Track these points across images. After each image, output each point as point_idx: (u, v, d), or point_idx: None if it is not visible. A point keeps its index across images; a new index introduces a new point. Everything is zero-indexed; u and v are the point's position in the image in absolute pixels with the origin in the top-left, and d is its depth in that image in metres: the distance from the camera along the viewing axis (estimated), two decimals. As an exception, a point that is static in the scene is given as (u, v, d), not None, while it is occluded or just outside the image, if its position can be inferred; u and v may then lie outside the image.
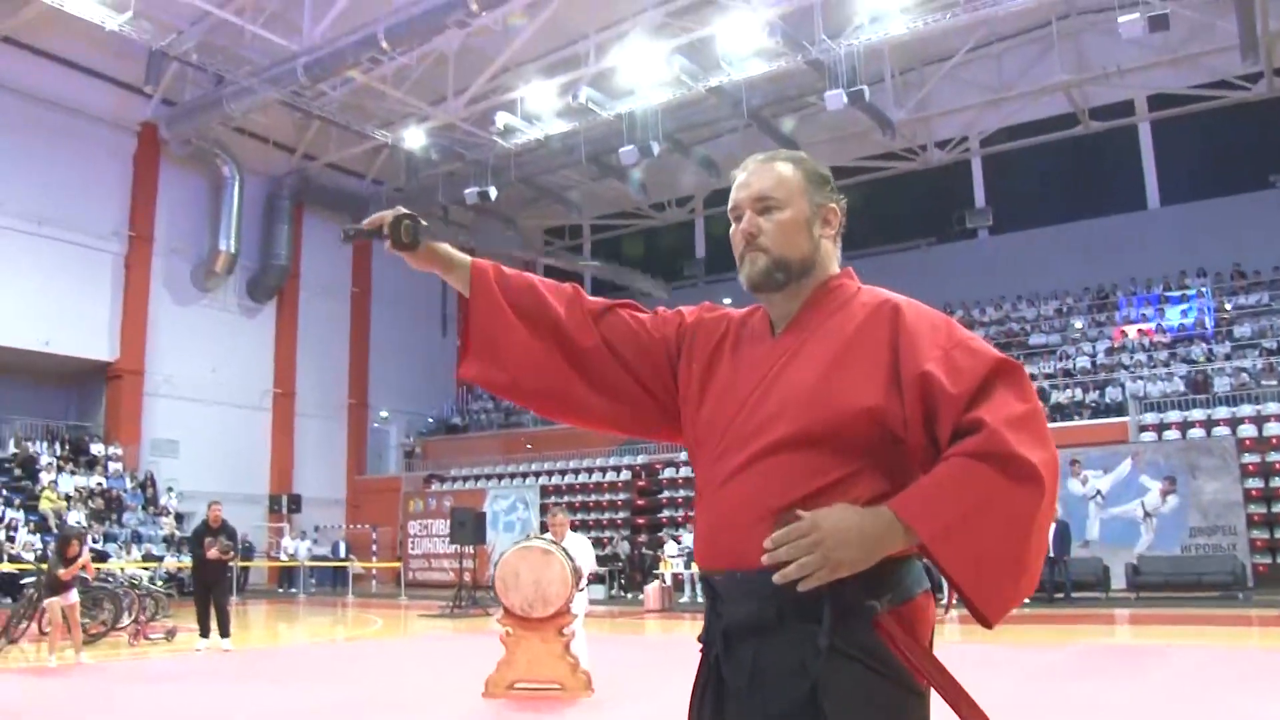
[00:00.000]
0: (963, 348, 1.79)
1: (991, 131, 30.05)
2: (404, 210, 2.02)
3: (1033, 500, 1.68)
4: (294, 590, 27.69)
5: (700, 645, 1.93)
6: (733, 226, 2.01)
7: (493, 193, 28.73)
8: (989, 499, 1.67)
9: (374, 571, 30.19)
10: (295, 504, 30.53)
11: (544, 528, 13.75)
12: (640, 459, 28.23)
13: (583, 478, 28.31)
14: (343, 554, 29.32)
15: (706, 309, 2.16)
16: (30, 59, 25.79)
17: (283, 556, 28.60)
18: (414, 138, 27.66)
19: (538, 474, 29.58)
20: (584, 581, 8.31)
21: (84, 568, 10.68)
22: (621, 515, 27.05)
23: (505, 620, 7.84)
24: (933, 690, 1.77)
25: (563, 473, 29.05)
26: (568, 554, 7.93)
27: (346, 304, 34.72)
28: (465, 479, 30.63)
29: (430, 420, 36.30)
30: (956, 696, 1.71)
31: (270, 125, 29.91)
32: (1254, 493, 19.53)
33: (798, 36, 22.71)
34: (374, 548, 30.02)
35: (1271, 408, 20.87)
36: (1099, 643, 13.22)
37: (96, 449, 27.00)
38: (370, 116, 27.74)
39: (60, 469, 25.56)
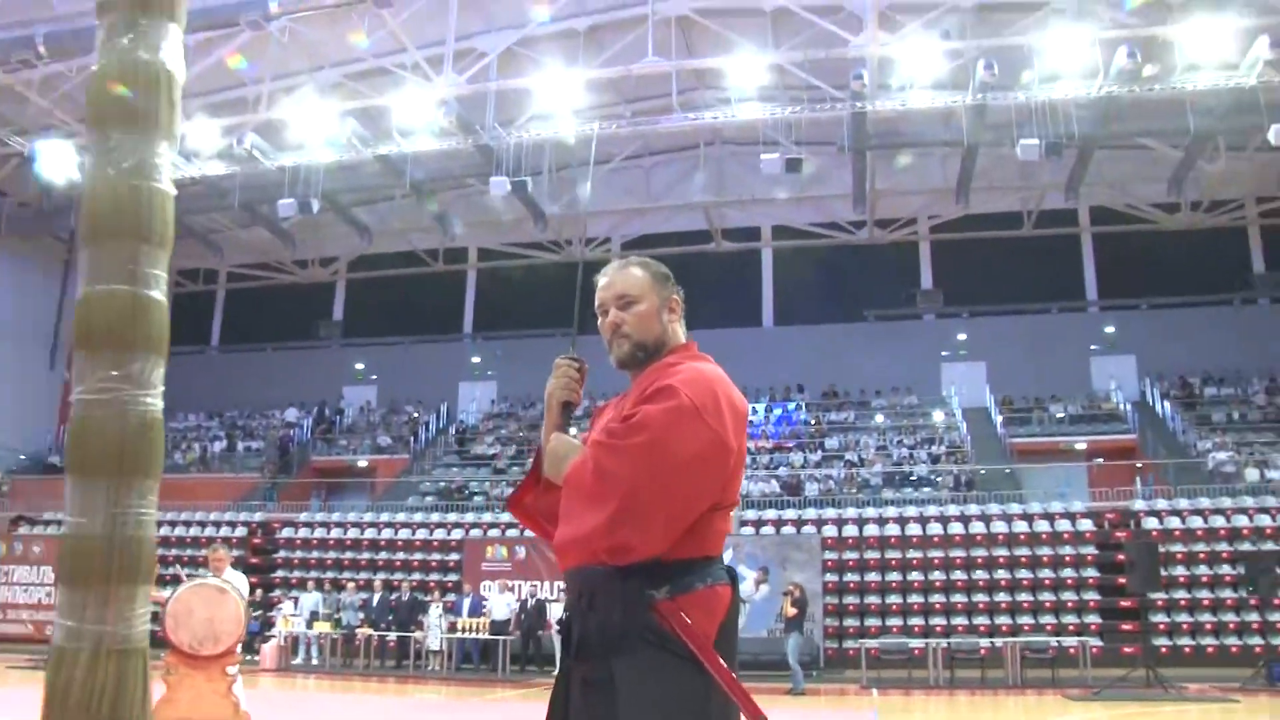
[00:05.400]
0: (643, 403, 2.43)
1: (634, 237, 32.23)
2: (572, 400, 2.71)
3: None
4: None
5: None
6: (600, 320, 2.68)
7: (129, 223, 27.18)
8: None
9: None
10: None
11: (204, 561, 13.27)
12: (258, 516, 27.18)
13: (194, 530, 26.82)
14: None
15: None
16: None
17: None
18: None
19: (144, 524, 27.57)
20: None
21: None
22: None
23: (170, 659, 7.67)
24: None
25: (172, 524, 27.35)
26: (241, 594, 7.99)
27: (-62, 324, 31.21)
28: (63, 523, 27.98)
29: (22, 457, 33.00)
30: (727, 680, 2.31)
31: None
32: (830, 585, 21.92)
33: (470, 120, 23.50)
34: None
35: (849, 512, 23.60)
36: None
37: None
38: (7, 122, 25.50)
39: None
